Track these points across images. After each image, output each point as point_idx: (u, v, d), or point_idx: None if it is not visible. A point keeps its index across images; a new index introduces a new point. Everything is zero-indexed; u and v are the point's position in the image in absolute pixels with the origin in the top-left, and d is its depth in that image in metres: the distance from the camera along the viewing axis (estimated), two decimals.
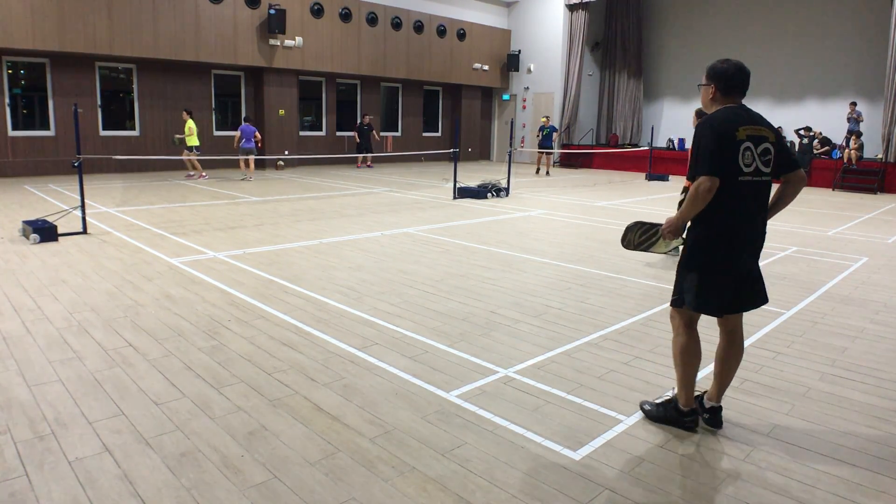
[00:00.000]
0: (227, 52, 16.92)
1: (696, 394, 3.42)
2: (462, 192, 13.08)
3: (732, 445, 3.19)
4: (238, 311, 5.15)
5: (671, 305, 3.31)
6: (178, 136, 15.42)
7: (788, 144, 3.28)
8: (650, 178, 18.92)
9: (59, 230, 7.96)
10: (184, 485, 2.73)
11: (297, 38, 18.15)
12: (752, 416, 3.50)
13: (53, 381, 3.76)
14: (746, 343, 4.65)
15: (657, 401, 3.47)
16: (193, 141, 15.13)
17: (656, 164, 20.06)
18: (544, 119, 19.82)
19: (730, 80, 3.14)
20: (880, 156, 17.18)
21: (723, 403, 3.64)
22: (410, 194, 13.55)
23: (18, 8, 13.66)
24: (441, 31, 21.95)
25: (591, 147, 23.63)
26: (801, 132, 18.05)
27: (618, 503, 2.68)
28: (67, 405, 3.45)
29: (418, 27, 21.24)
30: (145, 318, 4.95)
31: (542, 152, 19.50)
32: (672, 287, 3.35)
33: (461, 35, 22.62)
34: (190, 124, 15.08)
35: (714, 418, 3.35)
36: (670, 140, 21.95)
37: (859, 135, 17.37)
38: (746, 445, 3.19)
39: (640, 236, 3.57)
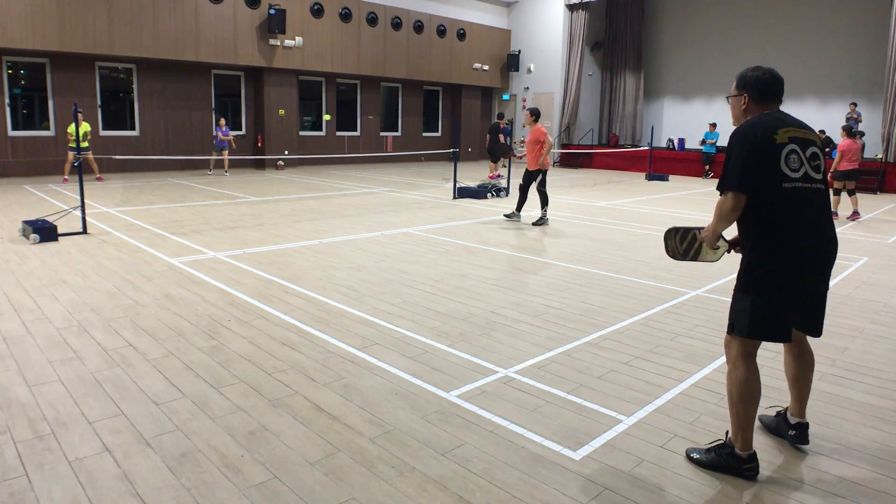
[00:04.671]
0: (227, 52, 16.92)
1: (779, 410, 3.28)
2: (462, 192, 13.08)
3: None
4: (238, 311, 5.15)
5: (727, 333, 2.94)
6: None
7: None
8: (650, 177, 18.92)
9: (59, 230, 7.95)
10: (184, 485, 2.73)
11: (297, 38, 18.15)
12: None
13: (53, 381, 3.76)
14: None
15: (707, 446, 3.03)
16: (73, 143, 13.59)
17: (656, 164, 20.07)
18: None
19: (765, 88, 2.87)
20: (880, 156, 17.19)
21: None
22: (410, 194, 13.54)
23: (18, 8, 13.65)
24: (441, 31, 21.95)
25: (591, 147, 23.64)
26: None
27: (618, 503, 2.68)
28: (67, 405, 3.45)
29: (418, 27, 21.24)
30: (145, 318, 4.95)
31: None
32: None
33: (461, 35, 22.62)
34: (84, 127, 13.95)
35: (801, 435, 3.10)
36: (670, 140, 21.96)
37: (861, 134, 17.36)
38: None
39: (681, 243, 3.18)
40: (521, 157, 10.85)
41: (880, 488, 2.84)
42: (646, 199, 13.99)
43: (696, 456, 3.01)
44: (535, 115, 9.79)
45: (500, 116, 17.31)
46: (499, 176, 16.56)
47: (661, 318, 5.21)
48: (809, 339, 3.14)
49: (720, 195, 2.81)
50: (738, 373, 2.86)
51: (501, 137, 16.56)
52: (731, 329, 2.90)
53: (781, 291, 2.77)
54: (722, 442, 2.98)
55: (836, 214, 11.16)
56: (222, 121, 16.63)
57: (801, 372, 3.10)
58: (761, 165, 2.72)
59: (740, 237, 2.93)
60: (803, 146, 2.79)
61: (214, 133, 16.65)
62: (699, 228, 3.09)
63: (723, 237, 3.00)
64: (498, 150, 16.57)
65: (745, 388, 2.83)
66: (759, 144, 2.72)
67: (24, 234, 7.98)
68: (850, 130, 11.39)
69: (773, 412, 3.35)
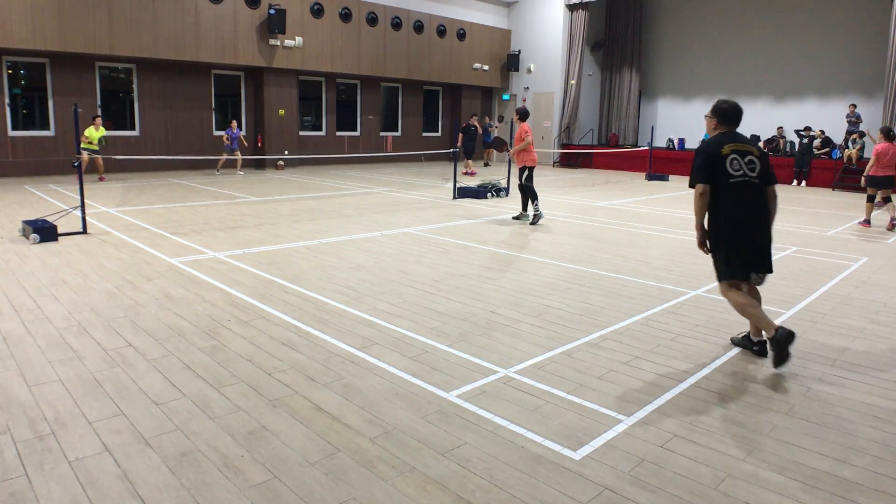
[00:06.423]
0: (227, 52, 16.91)
1: (744, 333, 4.56)
2: (462, 192, 13.07)
3: (733, 445, 3.19)
4: (238, 311, 5.15)
5: (717, 281, 4.43)
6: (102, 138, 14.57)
7: (770, 162, 4.46)
8: (650, 177, 18.91)
9: (59, 230, 7.95)
10: (184, 485, 2.73)
11: (297, 38, 18.15)
12: (752, 415, 3.51)
13: (53, 381, 3.76)
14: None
15: (741, 335, 4.59)
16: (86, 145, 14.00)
17: (656, 164, 20.05)
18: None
19: (725, 115, 4.38)
20: None
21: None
22: (410, 194, 13.54)
23: (18, 8, 13.65)
24: (441, 31, 21.94)
25: (591, 147, 23.64)
26: (802, 132, 18.08)
27: (617, 503, 2.68)
28: (67, 405, 3.45)
29: (418, 27, 21.23)
30: (145, 318, 4.95)
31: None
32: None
33: (461, 35, 22.61)
34: (101, 132, 14.37)
35: (762, 349, 4.37)
36: (670, 140, 21.95)
37: (862, 134, 17.33)
38: (747, 445, 3.19)
39: None
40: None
41: (880, 488, 2.84)
42: (646, 199, 13.99)
43: (733, 337, 4.65)
44: (519, 114, 10.15)
45: (472, 115, 19.40)
46: (466, 173, 17.82)
47: (661, 318, 5.21)
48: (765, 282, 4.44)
49: (691, 187, 4.28)
50: (730, 298, 4.34)
51: (461, 138, 17.88)
52: (718, 277, 4.39)
53: (730, 247, 4.23)
54: (745, 333, 4.54)
55: (868, 222, 10.63)
56: (234, 123, 16.69)
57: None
58: (714, 167, 4.19)
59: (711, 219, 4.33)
60: (742, 155, 4.22)
61: (226, 134, 16.53)
62: None
63: None
64: (469, 148, 18.61)
65: (740, 303, 4.27)
66: (712, 156, 4.21)
67: (24, 234, 7.98)
68: (889, 133, 10.69)
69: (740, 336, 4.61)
